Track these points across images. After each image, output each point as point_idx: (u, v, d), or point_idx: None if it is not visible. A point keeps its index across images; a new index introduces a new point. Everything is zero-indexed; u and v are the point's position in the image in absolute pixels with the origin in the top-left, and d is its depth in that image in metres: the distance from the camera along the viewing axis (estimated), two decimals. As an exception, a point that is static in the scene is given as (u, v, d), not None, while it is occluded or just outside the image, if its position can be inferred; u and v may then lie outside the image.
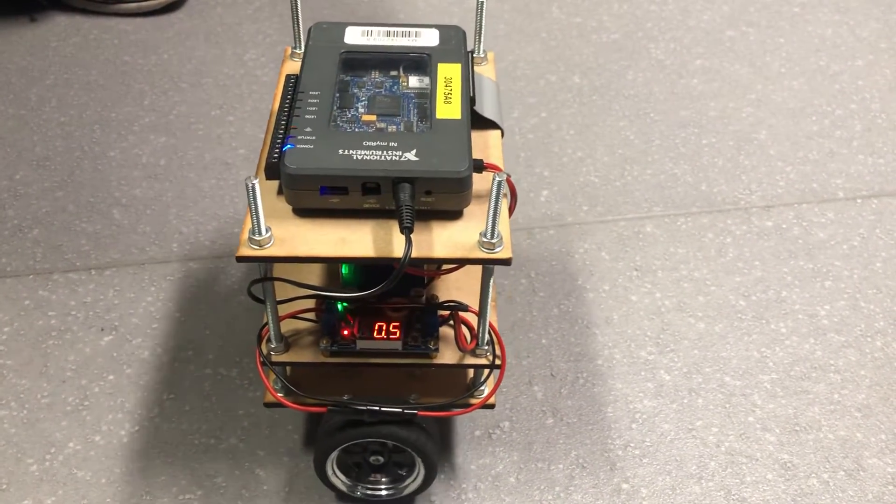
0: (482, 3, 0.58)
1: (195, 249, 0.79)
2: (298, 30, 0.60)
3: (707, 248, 0.82)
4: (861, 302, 0.78)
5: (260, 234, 0.47)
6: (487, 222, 0.47)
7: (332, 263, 0.57)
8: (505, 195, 0.51)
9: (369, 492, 0.61)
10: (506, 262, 0.48)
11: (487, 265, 0.49)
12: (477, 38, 0.61)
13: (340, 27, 0.58)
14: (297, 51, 0.61)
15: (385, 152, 0.49)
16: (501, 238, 0.48)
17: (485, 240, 0.48)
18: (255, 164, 0.88)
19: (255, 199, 0.46)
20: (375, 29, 0.58)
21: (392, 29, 0.58)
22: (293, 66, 0.60)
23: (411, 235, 0.47)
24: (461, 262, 0.49)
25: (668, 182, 0.89)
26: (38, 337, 0.72)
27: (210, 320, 0.73)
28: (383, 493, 0.60)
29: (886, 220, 0.86)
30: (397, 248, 0.48)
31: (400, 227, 0.47)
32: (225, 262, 0.78)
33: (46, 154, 0.89)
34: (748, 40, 1.09)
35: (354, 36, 0.58)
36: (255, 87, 0.98)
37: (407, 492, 0.60)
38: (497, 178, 0.45)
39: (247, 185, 0.45)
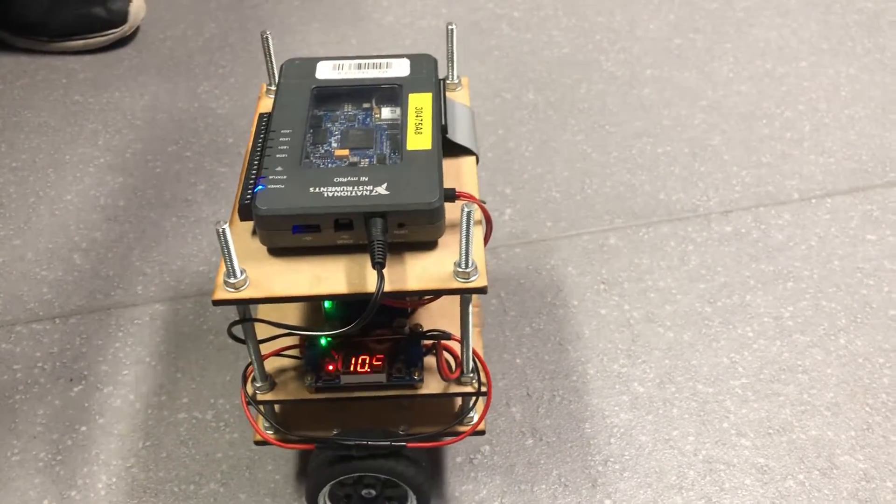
0: (452, 29, 0.59)
1: (161, 291, 0.78)
2: (272, 67, 0.61)
3: (670, 256, 0.83)
4: (822, 301, 0.79)
5: (235, 276, 0.47)
6: (461, 252, 0.47)
7: (307, 302, 0.57)
8: (479, 222, 0.52)
9: None
10: (481, 290, 0.48)
11: (464, 294, 0.50)
12: (449, 64, 0.61)
13: (312, 62, 0.59)
14: (272, 87, 0.61)
15: (356, 188, 0.49)
16: (476, 267, 0.48)
17: (459, 269, 0.48)
18: (215, 200, 0.88)
19: (227, 243, 0.46)
20: (346, 62, 0.58)
21: (363, 61, 0.58)
22: (268, 104, 0.60)
23: (384, 270, 0.47)
24: (436, 293, 0.50)
25: (628, 193, 0.90)
26: (3, 392, 0.70)
27: (181, 363, 0.72)
28: None
29: (840, 219, 0.88)
30: (371, 283, 0.48)
31: (372, 262, 0.47)
32: (192, 301, 0.77)
33: (0, 201, 0.87)
34: (696, 47, 1.11)
35: (326, 70, 0.58)
36: (211, 121, 0.97)
37: None
38: (466, 209, 0.45)
39: (217, 231, 0.45)
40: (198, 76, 1.04)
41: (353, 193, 0.48)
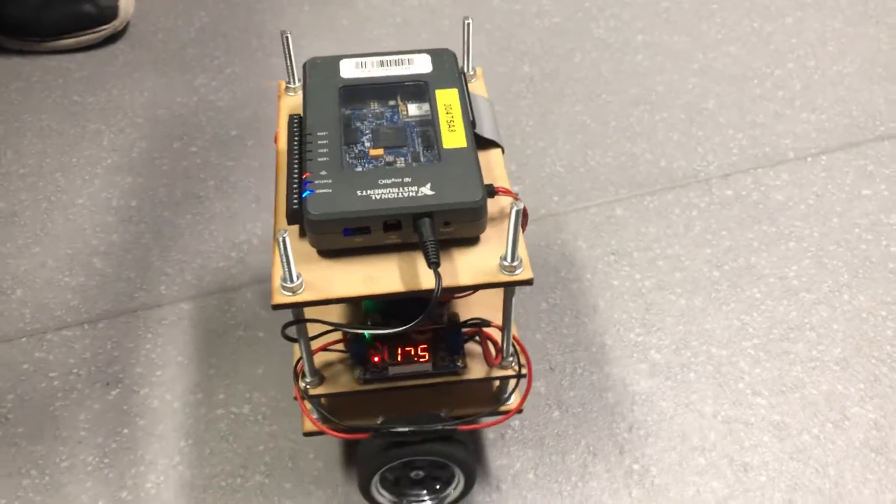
0: (468, 23, 0.60)
1: (184, 289, 0.80)
2: (291, 65, 0.62)
3: (675, 224, 0.86)
4: (825, 259, 0.82)
5: (292, 280, 0.49)
6: (507, 247, 0.50)
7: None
8: None
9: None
10: (528, 282, 0.50)
11: (510, 286, 0.52)
12: (466, 56, 0.62)
13: (334, 61, 0.60)
14: (292, 85, 0.63)
15: (401, 189, 0.50)
16: (521, 260, 0.50)
17: (505, 263, 0.50)
18: (226, 194, 0.89)
19: (286, 251, 0.48)
20: (369, 59, 0.60)
21: (385, 58, 0.59)
22: (290, 102, 0.62)
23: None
24: (486, 287, 0.51)
25: (629, 162, 0.92)
26: (43, 400, 0.72)
27: (213, 360, 0.74)
28: (427, 503, 0.63)
29: (836, 176, 0.91)
30: (424, 280, 0.50)
31: (427, 263, 0.48)
32: (216, 298, 0.79)
33: (13, 210, 0.88)
34: (683, 10, 1.12)
35: (349, 69, 0.59)
36: (212, 114, 0.98)
37: (448, 500, 0.63)
38: (515, 208, 0.47)
39: (278, 240, 0.47)
40: (194, 69, 1.04)
41: (400, 195, 0.50)
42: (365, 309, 0.57)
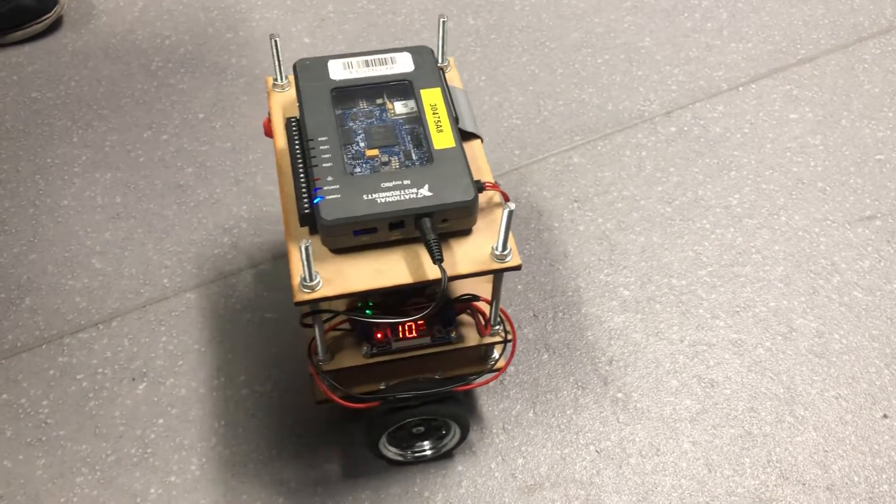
0: (444, 21, 0.65)
1: (186, 280, 0.85)
2: (279, 65, 0.67)
3: (628, 165, 0.94)
4: (762, 184, 0.92)
5: (312, 279, 0.55)
6: (499, 240, 0.57)
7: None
8: (500, 204, 0.61)
9: (417, 454, 0.72)
10: (517, 268, 0.58)
11: (501, 272, 0.59)
12: (441, 51, 0.68)
13: (322, 62, 0.64)
14: (280, 82, 0.68)
15: (402, 192, 0.56)
16: (510, 249, 0.57)
17: (497, 253, 0.57)
18: (206, 180, 0.93)
19: (308, 256, 0.54)
20: (354, 60, 0.64)
21: (369, 58, 0.64)
22: (281, 98, 0.67)
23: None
24: (482, 274, 0.59)
25: (580, 109, 0.99)
26: (77, 402, 0.78)
27: (228, 344, 0.81)
28: (428, 453, 0.72)
29: (766, 103, 0.99)
30: (429, 271, 0.57)
31: (433, 260, 0.55)
32: (218, 285, 0.85)
33: (0, 218, 0.90)
34: (611, -55, 1.17)
35: (337, 70, 0.64)
36: (175, 98, 1.01)
37: (446, 449, 0.72)
38: (507, 209, 0.54)
39: (301, 248, 0.53)
40: (147, 51, 1.06)
41: (402, 197, 0.56)
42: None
